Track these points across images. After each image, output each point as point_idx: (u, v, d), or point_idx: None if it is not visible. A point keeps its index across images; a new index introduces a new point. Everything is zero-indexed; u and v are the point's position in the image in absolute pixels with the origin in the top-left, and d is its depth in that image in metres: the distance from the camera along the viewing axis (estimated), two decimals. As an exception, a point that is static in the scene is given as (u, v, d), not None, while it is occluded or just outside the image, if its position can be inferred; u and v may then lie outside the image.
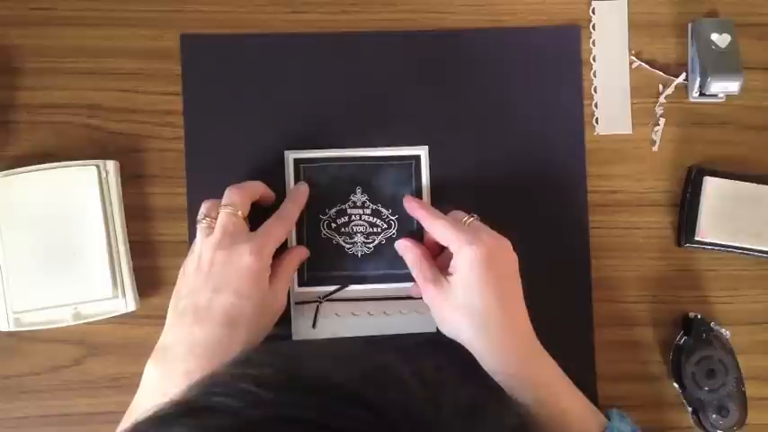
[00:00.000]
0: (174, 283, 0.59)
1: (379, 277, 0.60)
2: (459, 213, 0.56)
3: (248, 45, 0.61)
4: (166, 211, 0.60)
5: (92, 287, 0.56)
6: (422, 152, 0.60)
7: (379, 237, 0.60)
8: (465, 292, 0.52)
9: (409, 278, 0.59)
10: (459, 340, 0.53)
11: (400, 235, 0.60)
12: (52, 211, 0.57)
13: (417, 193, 0.60)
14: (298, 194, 0.58)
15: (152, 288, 0.59)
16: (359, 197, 0.60)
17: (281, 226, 0.55)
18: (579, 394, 0.53)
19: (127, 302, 0.57)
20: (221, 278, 0.51)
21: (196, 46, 0.60)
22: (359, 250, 0.60)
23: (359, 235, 0.60)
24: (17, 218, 0.56)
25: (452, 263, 0.53)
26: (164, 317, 0.59)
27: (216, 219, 0.53)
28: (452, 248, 0.53)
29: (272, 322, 0.54)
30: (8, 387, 0.58)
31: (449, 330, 0.54)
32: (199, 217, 0.54)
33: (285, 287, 0.55)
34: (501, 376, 0.51)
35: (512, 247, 0.54)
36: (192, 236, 0.59)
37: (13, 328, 0.57)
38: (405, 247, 0.57)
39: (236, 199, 0.53)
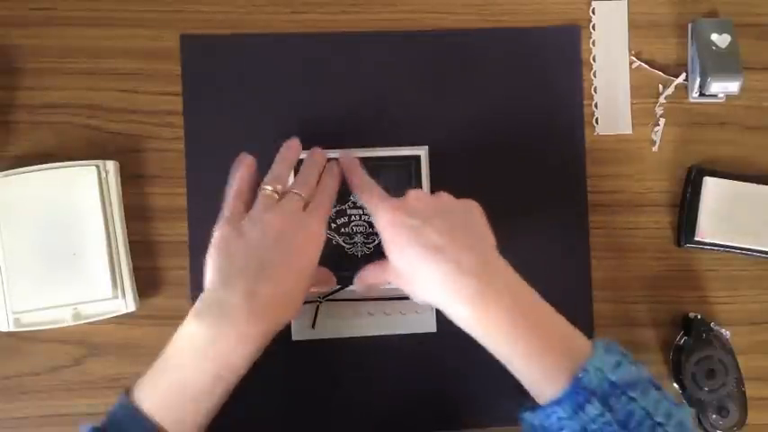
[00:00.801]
0: (175, 282, 0.59)
1: None
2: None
3: (248, 45, 0.61)
4: (166, 212, 0.60)
5: (92, 287, 0.56)
6: (422, 152, 0.60)
7: (379, 237, 0.60)
8: (395, 263, 0.51)
9: None
10: (430, 305, 0.51)
11: None
12: (52, 211, 0.57)
13: None
14: (316, 162, 0.55)
15: (152, 288, 0.59)
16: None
17: (328, 200, 0.54)
18: (555, 316, 0.48)
19: (127, 303, 0.57)
20: (292, 243, 0.50)
21: (196, 46, 0.60)
22: (359, 250, 0.60)
23: (359, 235, 0.60)
24: (17, 218, 0.56)
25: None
26: (164, 317, 0.59)
27: (280, 193, 0.52)
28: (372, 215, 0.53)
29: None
30: (8, 387, 0.58)
31: (418, 300, 0.52)
32: (265, 183, 0.53)
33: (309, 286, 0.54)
34: (462, 321, 0.48)
35: (420, 192, 0.52)
36: (194, 235, 0.59)
37: (13, 329, 0.57)
38: (357, 285, 0.56)
39: (308, 188, 0.53)
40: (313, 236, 0.51)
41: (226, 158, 0.60)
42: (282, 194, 0.52)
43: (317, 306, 0.59)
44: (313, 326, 0.59)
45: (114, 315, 0.57)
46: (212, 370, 0.47)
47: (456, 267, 0.48)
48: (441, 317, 0.59)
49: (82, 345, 0.59)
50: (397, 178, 0.60)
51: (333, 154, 0.60)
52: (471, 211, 0.52)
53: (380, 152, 0.60)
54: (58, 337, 0.58)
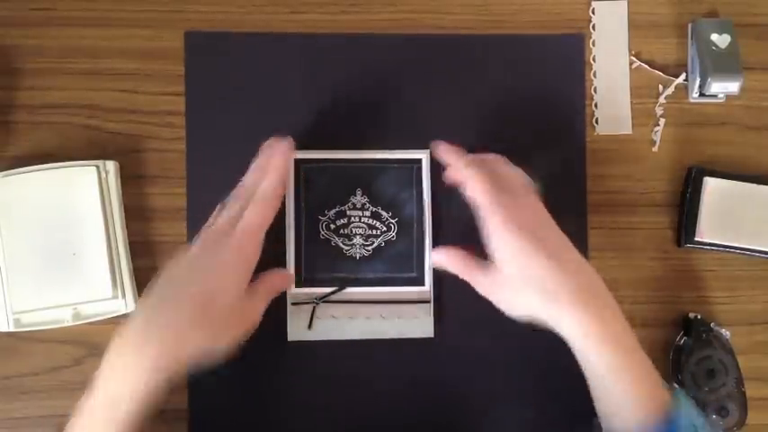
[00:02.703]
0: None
1: (377, 280, 0.59)
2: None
3: (251, 44, 0.61)
4: (166, 212, 0.60)
5: (92, 287, 0.56)
6: (423, 156, 0.60)
7: (378, 239, 0.60)
8: (513, 266, 0.50)
9: (407, 282, 0.59)
10: (530, 317, 0.51)
11: (399, 238, 0.59)
12: (52, 211, 0.57)
13: (418, 198, 0.60)
14: (274, 161, 0.53)
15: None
16: (359, 199, 0.60)
17: (261, 212, 0.51)
18: (646, 358, 0.50)
19: (127, 303, 0.57)
20: (203, 270, 0.50)
21: (200, 43, 0.60)
22: (357, 252, 0.60)
23: (358, 237, 0.60)
24: (17, 218, 0.56)
25: (486, 234, 0.51)
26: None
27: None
28: (482, 214, 0.51)
29: (241, 334, 0.51)
30: (8, 387, 0.58)
31: (518, 310, 0.51)
32: (207, 223, 0.54)
33: (261, 305, 0.53)
34: (576, 340, 0.49)
35: (524, 175, 0.53)
36: (193, 235, 0.59)
37: (13, 329, 0.57)
38: (448, 257, 0.55)
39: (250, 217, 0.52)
40: (223, 266, 0.50)
41: (226, 158, 0.60)
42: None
43: (314, 307, 0.59)
44: (309, 327, 0.59)
45: (114, 315, 0.57)
46: (110, 395, 0.47)
47: (577, 282, 0.49)
48: (439, 322, 0.59)
49: (82, 345, 0.59)
50: (397, 181, 0.60)
51: (335, 155, 0.60)
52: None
53: (382, 155, 0.60)
54: (58, 337, 0.58)
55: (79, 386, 0.58)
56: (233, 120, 0.60)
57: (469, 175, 0.52)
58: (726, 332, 0.60)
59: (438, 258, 0.56)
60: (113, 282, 0.57)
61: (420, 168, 0.60)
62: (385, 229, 0.60)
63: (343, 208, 0.60)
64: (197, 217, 0.59)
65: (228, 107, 0.60)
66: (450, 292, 0.60)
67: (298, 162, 0.60)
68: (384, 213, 0.60)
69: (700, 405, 0.58)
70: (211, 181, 0.60)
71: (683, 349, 0.59)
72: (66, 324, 0.57)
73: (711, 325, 0.59)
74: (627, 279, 0.61)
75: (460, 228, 0.60)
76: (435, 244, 0.59)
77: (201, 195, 0.60)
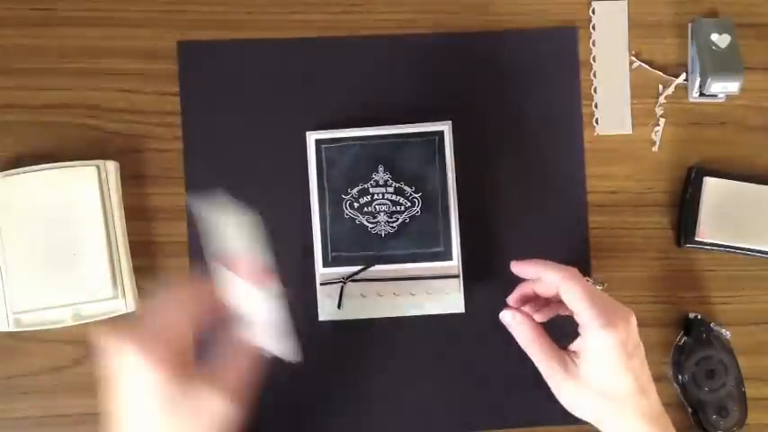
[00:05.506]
0: (175, 284, 0.59)
1: (404, 257, 0.59)
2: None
3: (246, 50, 0.61)
4: (166, 212, 0.60)
5: (92, 287, 0.56)
6: (445, 127, 0.59)
7: (403, 215, 0.59)
8: (599, 378, 0.49)
9: (434, 257, 0.58)
10: (588, 421, 0.51)
11: (424, 213, 0.59)
12: (52, 211, 0.57)
13: (441, 170, 0.59)
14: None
15: (152, 288, 0.59)
16: (381, 175, 0.59)
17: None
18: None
19: (127, 302, 0.57)
20: None
21: (193, 52, 0.60)
22: (382, 230, 0.59)
23: (382, 214, 0.59)
24: (17, 218, 0.56)
25: (582, 344, 0.50)
26: (164, 317, 0.59)
27: None
28: (584, 324, 0.49)
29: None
30: (8, 387, 0.58)
31: (579, 414, 0.51)
32: None
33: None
34: None
35: (634, 316, 0.50)
36: (194, 235, 0.59)
37: (13, 329, 0.57)
38: (514, 323, 0.53)
39: None
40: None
41: (225, 159, 0.60)
42: None
43: (342, 287, 0.59)
44: (339, 306, 0.59)
45: (114, 315, 0.57)
46: None
47: (650, 409, 0.50)
48: (469, 297, 0.59)
49: (82, 345, 0.59)
50: (419, 155, 0.59)
51: (355, 133, 0.59)
52: None
53: (403, 129, 0.59)
54: (58, 337, 0.58)
55: (79, 386, 0.58)
56: (231, 120, 0.60)
57: (569, 283, 0.50)
58: (726, 332, 0.60)
59: (509, 319, 0.53)
60: (113, 282, 0.57)
61: (442, 140, 0.59)
62: (409, 204, 0.59)
63: (365, 185, 0.59)
64: (197, 217, 0.60)
65: (226, 108, 0.60)
66: (480, 265, 0.59)
67: (319, 142, 0.59)
68: (407, 188, 0.59)
69: (700, 405, 0.58)
70: (211, 181, 0.60)
71: (683, 349, 0.59)
72: (66, 324, 0.57)
73: (711, 325, 0.59)
74: (627, 279, 0.61)
75: (486, 198, 0.60)
76: (461, 217, 0.59)
77: (201, 195, 0.60)
